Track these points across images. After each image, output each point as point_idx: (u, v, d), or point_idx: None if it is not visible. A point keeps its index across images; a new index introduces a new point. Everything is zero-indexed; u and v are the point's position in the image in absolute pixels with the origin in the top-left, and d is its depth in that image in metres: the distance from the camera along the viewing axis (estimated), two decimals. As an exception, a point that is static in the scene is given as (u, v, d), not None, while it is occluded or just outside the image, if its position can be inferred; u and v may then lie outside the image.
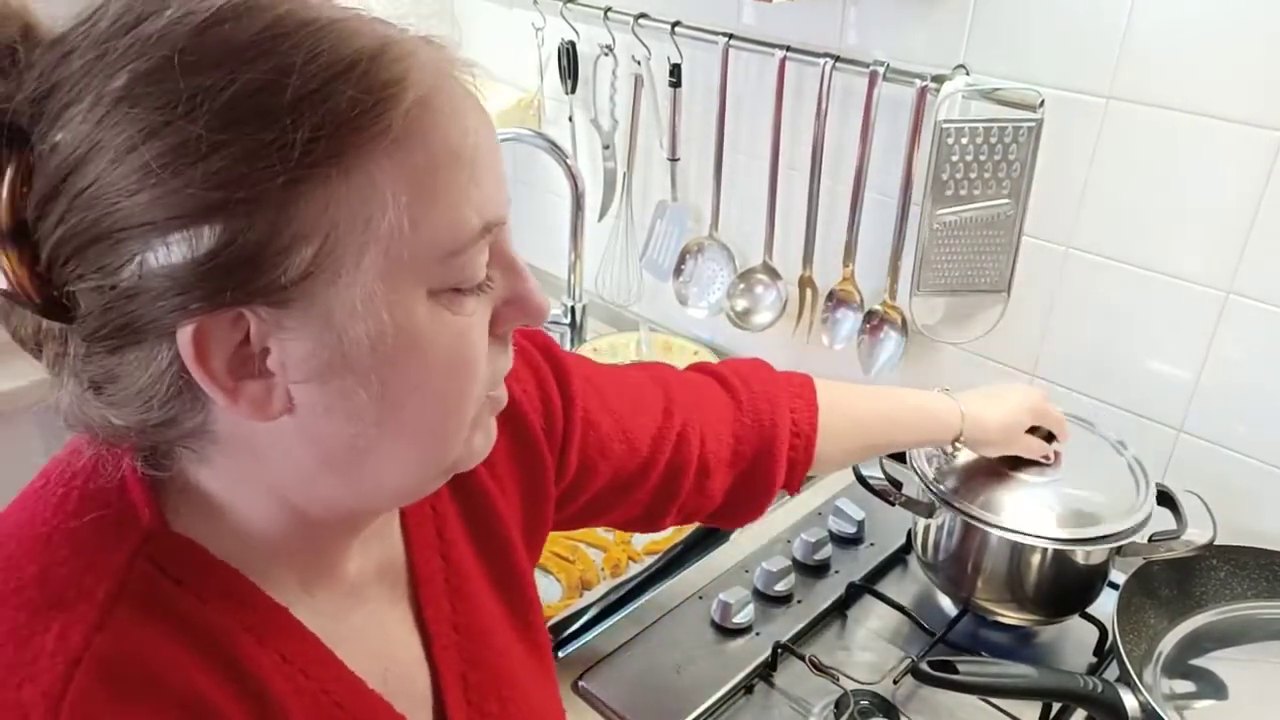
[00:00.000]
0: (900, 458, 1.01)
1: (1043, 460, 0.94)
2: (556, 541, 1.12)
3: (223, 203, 0.38)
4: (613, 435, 0.74)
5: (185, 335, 0.40)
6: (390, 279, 0.41)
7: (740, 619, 0.99)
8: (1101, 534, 0.90)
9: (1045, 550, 0.92)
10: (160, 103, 0.37)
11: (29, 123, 0.39)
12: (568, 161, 1.40)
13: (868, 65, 1.14)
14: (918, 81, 1.10)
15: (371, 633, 0.55)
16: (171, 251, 0.38)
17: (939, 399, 0.90)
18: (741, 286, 1.38)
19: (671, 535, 1.13)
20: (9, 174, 0.38)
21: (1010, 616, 0.99)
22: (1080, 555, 0.93)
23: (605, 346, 1.50)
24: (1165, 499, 0.96)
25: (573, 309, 1.50)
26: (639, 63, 1.39)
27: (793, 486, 0.84)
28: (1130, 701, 0.81)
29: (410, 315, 0.43)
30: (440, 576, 0.61)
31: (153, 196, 0.37)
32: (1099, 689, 0.82)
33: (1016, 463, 0.94)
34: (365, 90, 0.40)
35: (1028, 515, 0.91)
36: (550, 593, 1.05)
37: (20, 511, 0.48)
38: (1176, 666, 0.91)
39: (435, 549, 0.61)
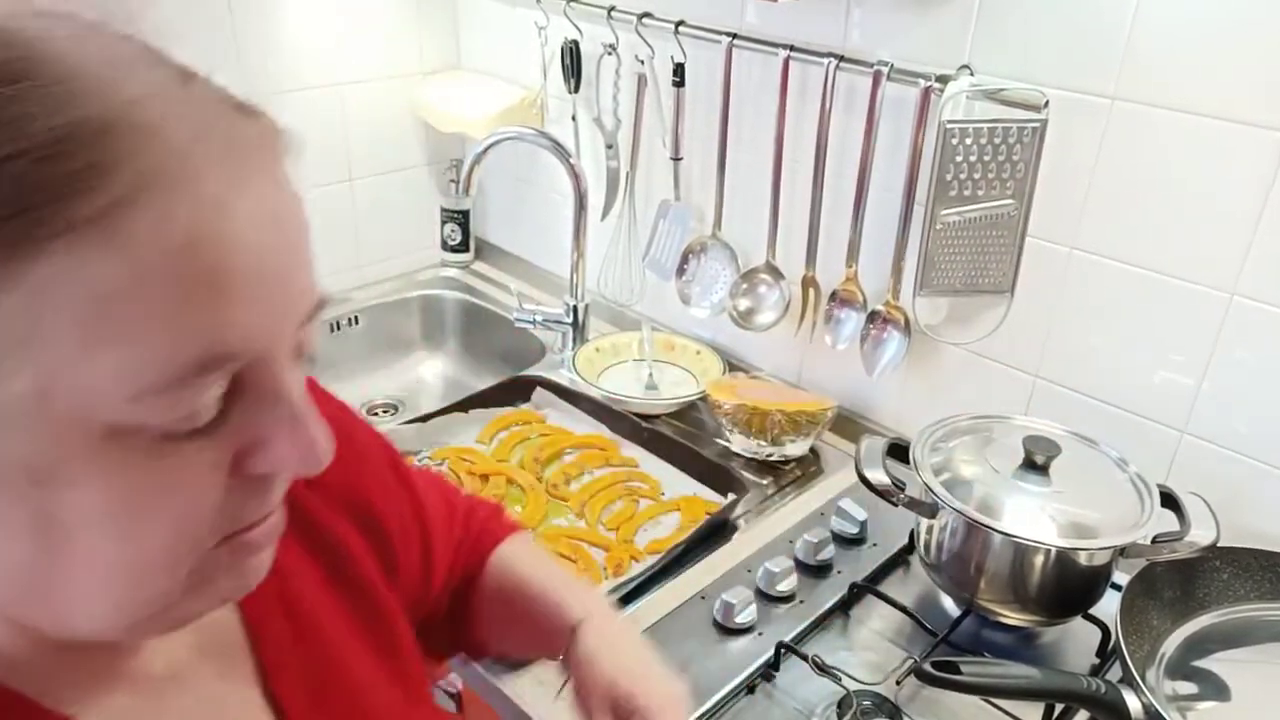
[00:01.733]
0: (903, 457, 1.01)
1: None
2: (559, 541, 1.12)
3: None
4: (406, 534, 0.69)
5: None
6: (51, 406, 0.34)
7: (742, 619, 0.99)
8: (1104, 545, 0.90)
9: (1048, 551, 0.92)
10: None
11: None
12: (571, 161, 1.40)
13: (872, 65, 1.14)
14: (922, 81, 1.10)
15: None
16: None
17: (583, 597, 0.72)
18: (744, 286, 1.38)
19: (674, 534, 1.13)
20: None
21: (1013, 617, 0.99)
22: (1083, 557, 0.93)
23: (607, 346, 1.50)
24: (1168, 500, 0.95)
25: (575, 308, 1.50)
26: (642, 62, 1.39)
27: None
28: (1133, 702, 0.81)
29: (79, 451, 0.35)
30: (287, 638, 0.55)
31: None
32: (1102, 690, 0.82)
33: None
34: (62, 172, 0.32)
35: (1030, 529, 0.91)
36: (552, 592, 1.05)
37: None
38: (1179, 668, 0.91)
39: (277, 609, 0.54)
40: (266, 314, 0.37)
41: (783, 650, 0.95)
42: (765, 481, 1.24)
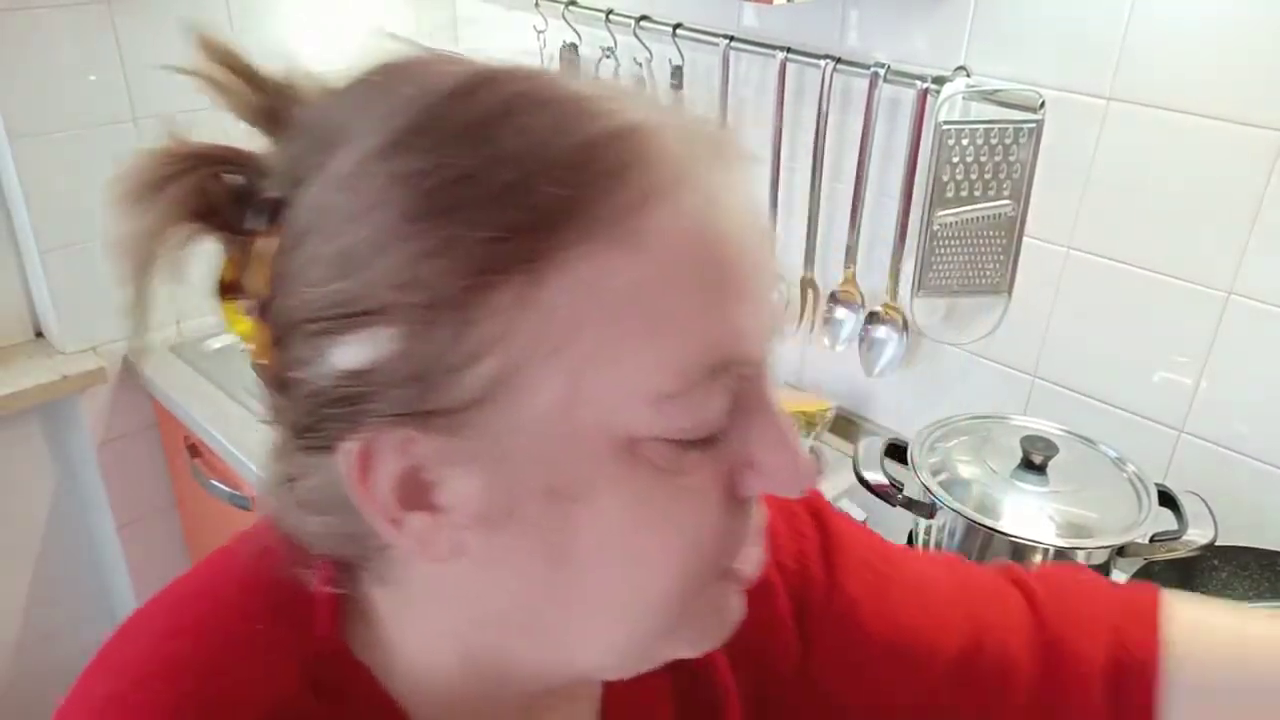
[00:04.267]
0: (901, 458, 1.01)
1: None
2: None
3: (398, 304, 0.33)
4: (879, 648, 0.55)
5: (350, 451, 0.35)
6: (578, 417, 0.34)
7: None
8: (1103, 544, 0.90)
9: (1047, 551, 0.92)
10: (364, 190, 0.34)
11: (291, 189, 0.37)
12: (569, 163, 1.40)
13: (868, 67, 1.14)
14: (918, 83, 1.10)
15: None
16: (347, 355, 0.34)
17: None
18: (743, 288, 1.38)
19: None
20: (274, 243, 0.37)
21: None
22: (1081, 556, 0.93)
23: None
24: (1166, 500, 0.96)
25: (574, 311, 1.51)
26: (640, 65, 1.40)
27: None
28: (1132, 701, 0.81)
29: (601, 465, 0.35)
30: None
31: (335, 290, 0.34)
32: (1100, 689, 0.82)
33: None
34: (576, 183, 0.33)
35: (1028, 529, 0.91)
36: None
37: (200, 601, 0.44)
38: (1178, 667, 0.91)
39: None
40: (760, 318, 0.37)
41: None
42: (764, 483, 1.24)
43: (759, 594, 0.49)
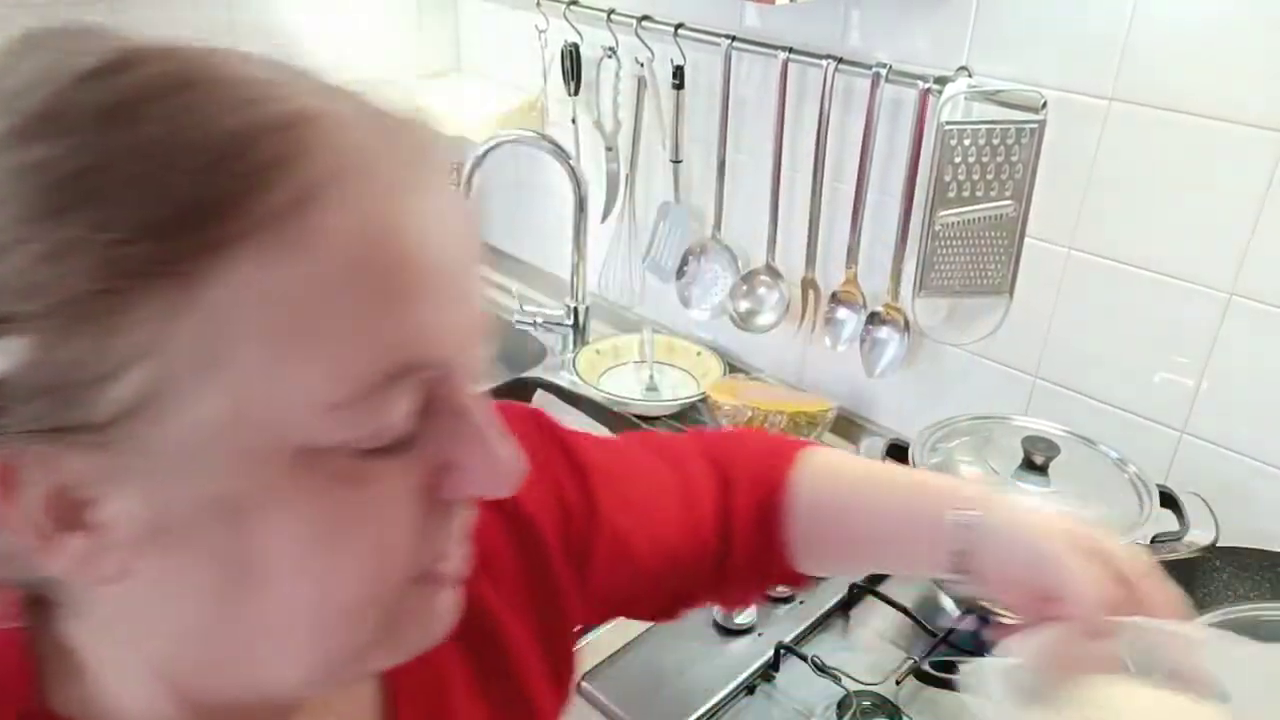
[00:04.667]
0: (903, 458, 1.01)
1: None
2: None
3: (22, 313, 0.30)
4: (638, 541, 0.62)
5: None
6: (243, 429, 0.32)
7: (742, 619, 0.99)
8: (1104, 535, 0.90)
9: (1048, 551, 0.92)
10: None
11: None
12: (571, 163, 1.40)
13: (870, 67, 1.14)
14: (920, 83, 1.10)
15: None
16: None
17: (956, 481, 0.68)
18: (744, 288, 1.39)
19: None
20: None
21: (1013, 617, 0.99)
22: (1083, 556, 0.93)
23: (608, 348, 1.50)
24: (1168, 500, 0.96)
25: (575, 310, 1.51)
26: (642, 65, 1.40)
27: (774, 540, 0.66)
28: (1133, 702, 0.81)
29: (274, 478, 0.33)
30: None
31: None
32: (1101, 690, 0.82)
33: None
34: (227, 177, 0.31)
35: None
36: (553, 593, 1.05)
37: None
38: (1179, 668, 0.91)
39: (422, 702, 0.50)
40: (452, 320, 0.35)
41: (783, 651, 0.95)
42: (765, 483, 1.24)
43: (528, 538, 0.55)
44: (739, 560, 0.65)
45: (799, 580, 0.68)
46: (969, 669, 0.51)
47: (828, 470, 0.67)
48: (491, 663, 0.53)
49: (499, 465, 0.37)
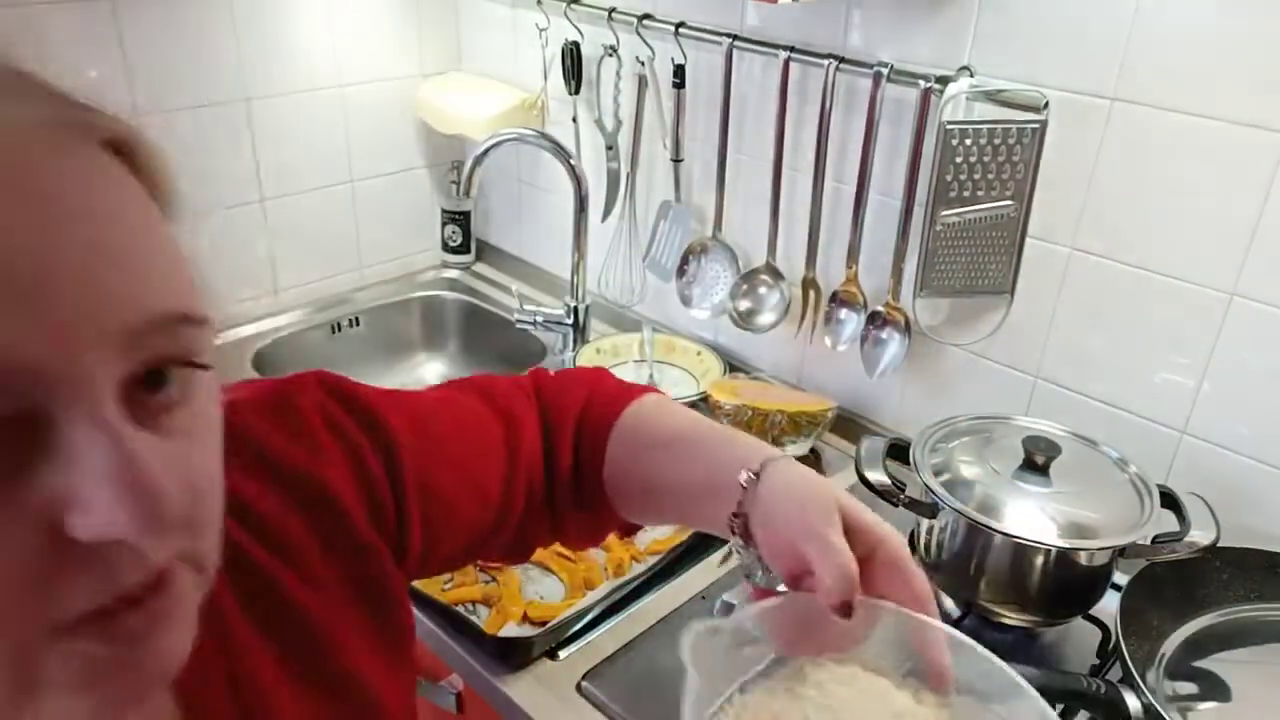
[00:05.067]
0: (903, 458, 1.01)
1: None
2: (559, 541, 1.12)
3: None
4: (458, 495, 0.61)
5: None
6: None
7: (743, 619, 0.99)
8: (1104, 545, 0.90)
9: (1048, 552, 0.92)
10: None
11: None
12: (571, 162, 1.40)
13: (872, 67, 1.14)
14: (922, 83, 1.10)
15: None
16: None
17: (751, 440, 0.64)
18: (744, 287, 1.38)
19: (674, 535, 1.13)
20: None
21: (1013, 617, 0.99)
22: (1083, 557, 0.93)
23: (608, 347, 1.50)
24: (1168, 501, 0.96)
25: (575, 309, 1.51)
26: (643, 63, 1.40)
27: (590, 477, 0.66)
28: (1133, 703, 0.81)
29: None
30: None
31: None
32: (1102, 690, 0.82)
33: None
34: None
35: (1030, 529, 0.91)
36: (553, 592, 1.05)
37: None
38: (1180, 668, 0.91)
39: (220, 693, 0.47)
40: (34, 325, 0.29)
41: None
42: (766, 482, 1.24)
43: (322, 510, 0.53)
44: (567, 500, 0.67)
45: (627, 526, 0.69)
46: (686, 630, 0.51)
47: (649, 416, 0.66)
48: (298, 645, 0.51)
49: (131, 505, 0.30)
